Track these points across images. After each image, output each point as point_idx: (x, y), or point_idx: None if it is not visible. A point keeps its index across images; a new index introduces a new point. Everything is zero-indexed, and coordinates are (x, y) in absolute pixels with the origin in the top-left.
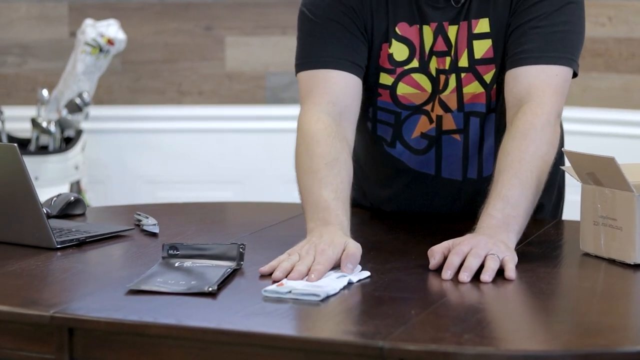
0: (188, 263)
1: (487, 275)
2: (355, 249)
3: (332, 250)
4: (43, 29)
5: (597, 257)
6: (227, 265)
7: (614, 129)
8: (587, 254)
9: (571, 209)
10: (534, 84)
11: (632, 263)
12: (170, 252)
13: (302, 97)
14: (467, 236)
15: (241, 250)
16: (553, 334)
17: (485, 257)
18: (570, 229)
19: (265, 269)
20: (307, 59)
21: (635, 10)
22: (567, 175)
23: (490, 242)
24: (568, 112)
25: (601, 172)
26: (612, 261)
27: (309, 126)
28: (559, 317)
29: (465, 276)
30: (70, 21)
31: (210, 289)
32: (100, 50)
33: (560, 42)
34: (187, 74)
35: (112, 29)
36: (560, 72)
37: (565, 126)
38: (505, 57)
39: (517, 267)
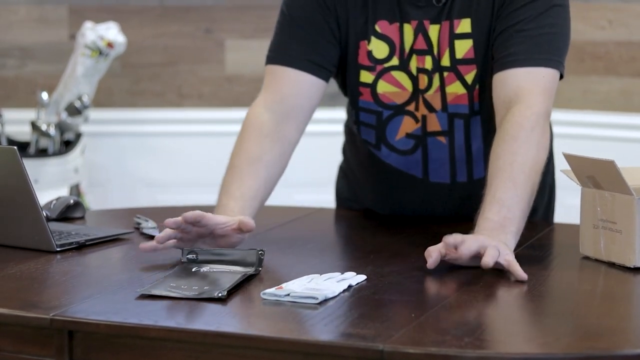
0: (205, 268)
1: (489, 257)
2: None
3: (212, 217)
4: (43, 32)
5: (596, 260)
6: (244, 270)
7: (614, 132)
8: (586, 258)
9: (569, 212)
10: (522, 86)
11: (631, 266)
12: (189, 257)
13: (262, 89)
14: (467, 236)
15: (260, 255)
16: (553, 337)
17: (484, 249)
18: (569, 233)
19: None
20: (273, 53)
21: (635, 14)
22: (557, 177)
23: (488, 240)
24: (568, 116)
25: (601, 176)
26: (611, 264)
27: (249, 121)
28: (559, 320)
29: (450, 239)
30: (69, 24)
31: (219, 294)
32: (100, 53)
33: (547, 45)
34: (187, 77)
35: (111, 32)
36: (547, 74)
37: (565, 129)
38: (492, 61)
39: None
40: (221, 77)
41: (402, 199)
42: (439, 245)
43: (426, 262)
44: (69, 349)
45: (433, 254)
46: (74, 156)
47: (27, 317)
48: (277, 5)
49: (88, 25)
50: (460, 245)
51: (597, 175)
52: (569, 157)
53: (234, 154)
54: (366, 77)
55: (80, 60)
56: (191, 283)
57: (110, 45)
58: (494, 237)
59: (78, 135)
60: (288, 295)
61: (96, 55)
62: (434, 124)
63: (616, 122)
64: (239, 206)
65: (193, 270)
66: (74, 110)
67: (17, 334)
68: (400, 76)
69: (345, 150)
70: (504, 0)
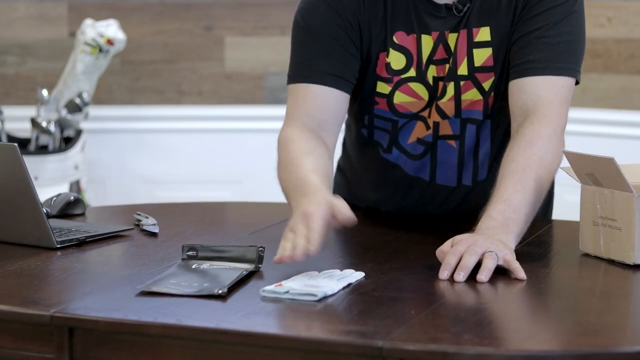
0: (205, 265)
1: (483, 275)
2: (342, 201)
3: (318, 207)
4: (42, 29)
5: (596, 257)
6: (244, 267)
7: (613, 129)
8: (586, 255)
9: (568, 209)
10: (541, 95)
11: (631, 263)
12: (189, 253)
13: (286, 112)
14: (466, 235)
15: (260, 252)
16: (552, 334)
17: (483, 255)
18: (569, 230)
19: (277, 258)
20: (296, 72)
21: (635, 11)
22: (557, 174)
23: (488, 240)
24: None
25: (601, 173)
26: (611, 261)
27: (287, 138)
28: (559, 317)
29: (460, 276)
30: (69, 21)
31: (220, 291)
32: (100, 50)
33: (565, 53)
34: (186, 74)
35: (111, 29)
36: (565, 84)
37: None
38: (509, 66)
39: None
40: (221, 75)
41: (404, 200)
42: (447, 245)
43: (427, 259)
44: (69, 345)
45: (452, 261)
46: (74, 153)
47: (27, 314)
48: (276, 3)
49: (88, 22)
50: (464, 255)
51: (596, 172)
52: (568, 154)
53: (284, 155)
54: (383, 88)
55: (80, 58)
56: (191, 280)
57: (110, 42)
58: (494, 235)
59: (78, 132)
60: (287, 292)
61: (96, 53)
62: (446, 128)
63: (615, 120)
64: (319, 181)
65: (193, 267)
66: (74, 107)
67: (18, 330)
68: (417, 87)
69: (345, 146)
70: (524, 6)
